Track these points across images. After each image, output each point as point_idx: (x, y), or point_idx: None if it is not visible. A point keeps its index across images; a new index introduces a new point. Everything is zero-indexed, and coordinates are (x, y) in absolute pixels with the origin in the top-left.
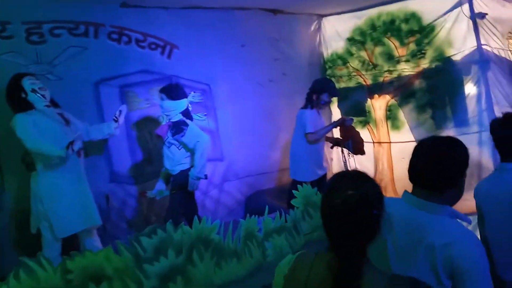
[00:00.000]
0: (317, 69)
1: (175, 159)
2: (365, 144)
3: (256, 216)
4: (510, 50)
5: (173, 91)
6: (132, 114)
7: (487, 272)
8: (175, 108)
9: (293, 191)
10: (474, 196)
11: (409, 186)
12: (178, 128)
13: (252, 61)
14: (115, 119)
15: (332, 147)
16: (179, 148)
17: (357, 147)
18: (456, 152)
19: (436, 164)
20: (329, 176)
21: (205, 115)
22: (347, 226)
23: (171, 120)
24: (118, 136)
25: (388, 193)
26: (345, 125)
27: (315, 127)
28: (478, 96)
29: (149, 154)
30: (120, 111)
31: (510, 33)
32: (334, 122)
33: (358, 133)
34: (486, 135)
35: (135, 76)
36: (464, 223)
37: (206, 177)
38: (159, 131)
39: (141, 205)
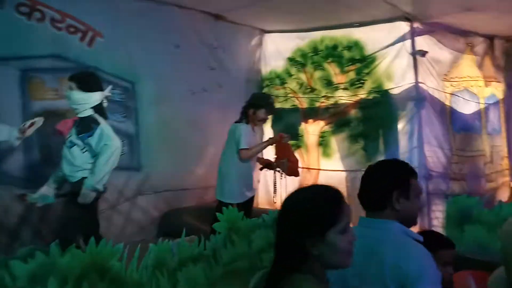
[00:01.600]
0: (254, 85)
1: (75, 163)
2: None
3: (170, 240)
4: (444, 92)
5: (86, 81)
6: (35, 104)
7: (437, 284)
8: (85, 101)
9: (217, 214)
10: (498, 238)
11: None
12: (85, 125)
13: (186, 66)
14: (22, 129)
15: (261, 169)
16: (83, 150)
17: (292, 168)
18: (384, 172)
19: (368, 184)
20: (256, 199)
21: (124, 116)
22: (276, 239)
23: (79, 116)
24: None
25: None
26: (282, 142)
27: (249, 143)
28: (411, 133)
29: (49, 154)
30: (32, 123)
31: (445, 75)
32: (271, 138)
33: (293, 152)
34: None
35: (44, 60)
36: None
37: (104, 190)
38: (60, 126)
39: (31, 214)
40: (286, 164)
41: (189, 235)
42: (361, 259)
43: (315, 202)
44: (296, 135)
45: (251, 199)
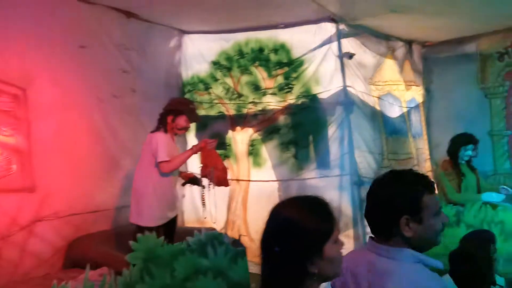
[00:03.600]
0: (174, 91)
1: None
2: None
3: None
4: (372, 96)
5: None
6: None
7: None
8: None
9: (131, 242)
10: None
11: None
12: None
13: (93, 68)
14: None
15: (184, 184)
16: None
17: (220, 177)
18: (390, 191)
19: (372, 205)
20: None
21: (12, 129)
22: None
23: None
24: None
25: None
26: (207, 149)
27: (170, 155)
28: (341, 138)
29: None
30: None
31: (370, 79)
32: (195, 146)
33: (221, 160)
34: (347, 180)
35: None
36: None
37: None
38: None
39: None
40: (213, 173)
41: (101, 266)
42: None
43: (309, 219)
44: (224, 144)
45: (174, 219)
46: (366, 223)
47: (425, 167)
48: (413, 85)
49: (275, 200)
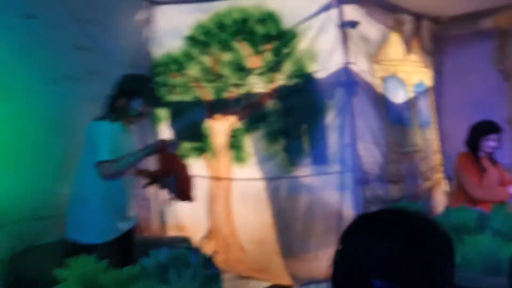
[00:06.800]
0: (144, 71)
1: None
2: (198, 180)
3: None
4: (375, 77)
5: None
6: None
7: None
8: None
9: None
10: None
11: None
12: None
13: (43, 45)
14: None
15: (146, 186)
16: None
17: (182, 188)
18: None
19: None
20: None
21: None
22: None
23: None
24: None
25: (231, 248)
26: (166, 152)
27: (115, 152)
28: (342, 127)
29: None
30: None
31: (375, 56)
32: (148, 146)
33: (185, 166)
34: (349, 177)
35: None
36: None
37: None
38: None
39: None
40: (174, 183)
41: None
42: None
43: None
44: (200, 136)
45: (130, 232)
46: None
47: (435, 160)
48: (422, 66)
49: (262, 202)
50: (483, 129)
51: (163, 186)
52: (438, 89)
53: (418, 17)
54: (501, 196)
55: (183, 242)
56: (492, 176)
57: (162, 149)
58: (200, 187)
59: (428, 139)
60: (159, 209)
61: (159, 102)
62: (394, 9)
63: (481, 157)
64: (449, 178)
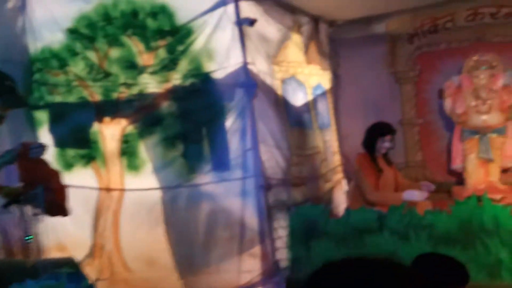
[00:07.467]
0: (19, 69)
1: None
2: (86, 192)
3: None
4: (275, 78)
5: None
6: None
7: None
8: None
9: None
10: None
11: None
12: None
13: None
14: None
15: (6, 206)
16: None
17: (53, 201)
18: None
19: None
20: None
21: None
22: None
23: None
24: None
25: (116, 267)
26: (28, 158)
27: None
28: (242, 130)
29: None
30: None
31: (274, 57)
32: (8, 152)
33: (56, 174)
34: (251, 183)
35: None
36: None
37: None
38: None
39: None
40: (42, 195)
41: None
42: None
43: None
44: (87, 142)
45: None
46: (276, 236)
47: (334, 161)
48: (320, 69)
49: (156, 215)
50: (379, 131)
51: (28, 200)
52: (335, 91)
53: (316, 19)
54: (394, 201)
55: (63, 266)
56: (387, 177)
57: (24, 155)
58: (86, 199)
59: (327, 141)
60: (28, 228)
61: (20, 103)
62: (292, 10)
63: (377, 157)
64: (348, 178)
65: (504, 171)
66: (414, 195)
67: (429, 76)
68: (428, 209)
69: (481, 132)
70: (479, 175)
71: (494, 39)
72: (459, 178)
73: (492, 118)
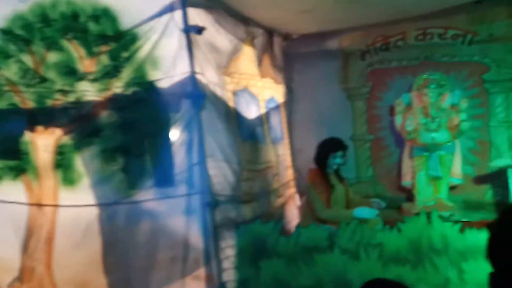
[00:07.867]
0: None
1: None
2: (14, 208)
3: None
4: (226, 90)
5: None
6: None
7: None
8: None
9: None
10: None
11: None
12: None
13: None
14: None
15: None
16: None
17: None
18: None
19: None
20: None
21: None
22: None
23: None
24: None
25: None
26: None
27: None
28: (189, 143)
29: None
30: None
31: (225, 68)
32: None
33: None
34: (196, 200)
35: None
36: None
37: None
38: None
39: None
40: None
41: None
42: None
43: None
44: (17, 153)
45: None
46: (223, 257)
47: (287, 176)
48: (273, 82)
49: (92, 234)
50: (330, 147)
51: None
52: (289, 105)
53: (270, 32)
54: (345, 218)
55: None
56: (339, 193)
57: None
58: (15, 216)
59: (280, 155)
60: None
61: None
62: (246, 21)
63: (329, 173)
64: (301, 193)
65: (452, 188)
66: (365, 212)
67: (380, 93)
68: (378, 226)
69: (430, 149)
70: (428, 192)
71: (442, 59)
72: (410, 194)
73: (441, 136)
